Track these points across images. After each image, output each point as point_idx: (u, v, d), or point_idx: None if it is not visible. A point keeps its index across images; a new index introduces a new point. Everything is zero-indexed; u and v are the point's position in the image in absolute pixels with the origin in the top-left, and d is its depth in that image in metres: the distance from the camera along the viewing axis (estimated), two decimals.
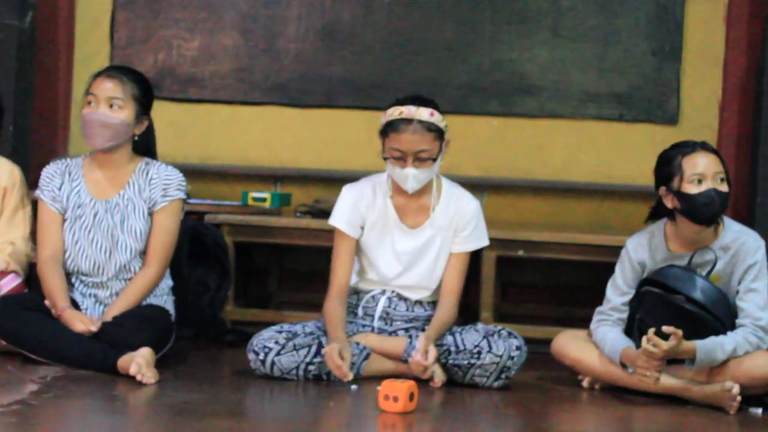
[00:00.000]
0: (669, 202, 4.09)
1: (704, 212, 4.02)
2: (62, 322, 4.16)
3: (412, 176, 4.17)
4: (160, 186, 4.36)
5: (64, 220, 4.37)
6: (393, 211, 4.30)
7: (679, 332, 3.89)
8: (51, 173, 4.40)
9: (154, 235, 4.35)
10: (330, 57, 5.73)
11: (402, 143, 4.15)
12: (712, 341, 3.97)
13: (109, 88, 4.29)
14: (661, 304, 4.07)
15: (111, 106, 4.28)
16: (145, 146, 4.42)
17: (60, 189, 4.37)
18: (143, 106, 4.36)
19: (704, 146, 4.08)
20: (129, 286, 4.31)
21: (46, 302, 4.22)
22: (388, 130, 4.19)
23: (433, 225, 4.30)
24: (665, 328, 3.88)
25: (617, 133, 5.64)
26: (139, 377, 3.94)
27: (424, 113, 4.16)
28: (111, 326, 4.14)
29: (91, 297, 4.35)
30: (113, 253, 4.33)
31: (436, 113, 4.19)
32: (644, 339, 3.93)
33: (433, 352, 4.03)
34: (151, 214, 4.36)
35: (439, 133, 4.18)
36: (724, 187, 4.01)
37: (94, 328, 4.12)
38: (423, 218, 4.30)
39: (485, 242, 4.38)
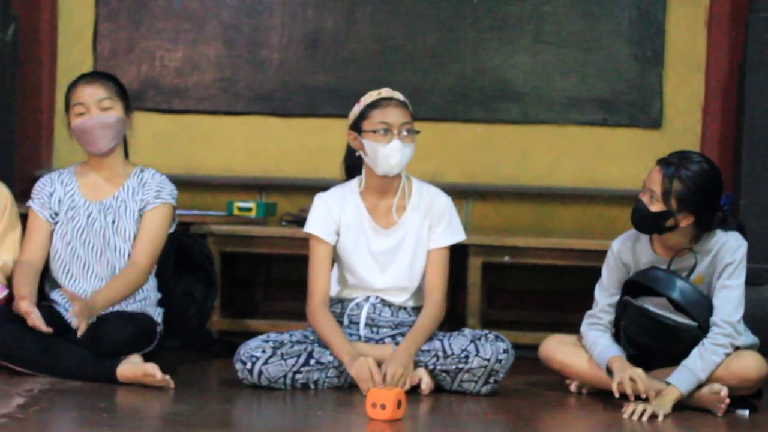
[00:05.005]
0: None
1: (632, 219, 4.08)
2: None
3: (399, 149, 4.18)
4: (153, 189, 4.42)
5: (55, 224, 4.40)
6: (365, 212, 4.31)
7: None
8: (43, 183, 4.48)
9: (141, 231, 4.39)
10: (313, 66, 5.73)
11: (388, 116, 4.20)
12: (687, 375, 3.97)
13: (95, 92, 4.36)
14: (642, 315, 4.08)
15: (102, 108, 4.34)
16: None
17: (51, 196, 4.43)
18: (126, 101, 4.44)
19: (663, 162, 4.02)
20: (115, 277, 4.32)
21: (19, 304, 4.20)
22: (369, 110, 4.23)
23: (406, 223, 4.31)
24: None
25: (601, 138, 5.65)
26: (164, 383, 4.04)
27: (399, 95, 4.27)
28: (95, 324, 4.14)
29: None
30: (104, 254, 4.36)
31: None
32: (614, 385, 3.98)
33: (390, 375, 4.03)
34: (141, 216, 4.39)
35: (411, 116, 4.26)
36: (653, 206, 4.01)
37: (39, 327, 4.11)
38: (395, 217, 4.31)
39: (461, 236, 4.38)
